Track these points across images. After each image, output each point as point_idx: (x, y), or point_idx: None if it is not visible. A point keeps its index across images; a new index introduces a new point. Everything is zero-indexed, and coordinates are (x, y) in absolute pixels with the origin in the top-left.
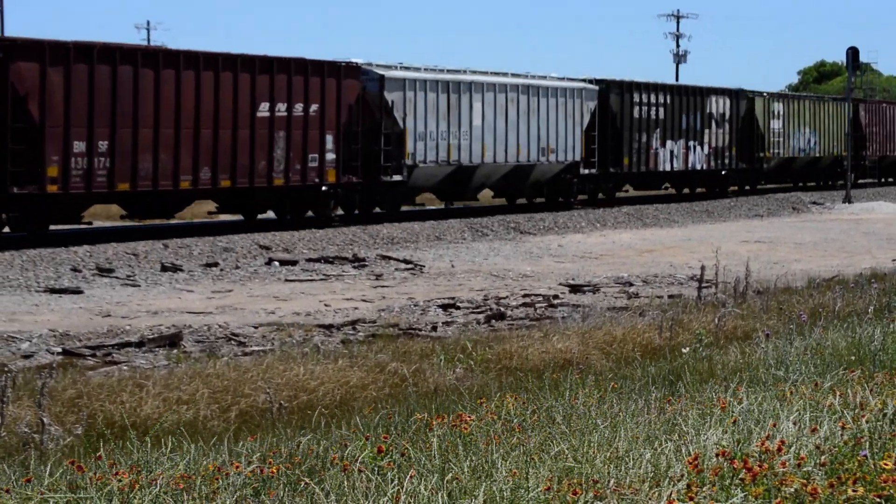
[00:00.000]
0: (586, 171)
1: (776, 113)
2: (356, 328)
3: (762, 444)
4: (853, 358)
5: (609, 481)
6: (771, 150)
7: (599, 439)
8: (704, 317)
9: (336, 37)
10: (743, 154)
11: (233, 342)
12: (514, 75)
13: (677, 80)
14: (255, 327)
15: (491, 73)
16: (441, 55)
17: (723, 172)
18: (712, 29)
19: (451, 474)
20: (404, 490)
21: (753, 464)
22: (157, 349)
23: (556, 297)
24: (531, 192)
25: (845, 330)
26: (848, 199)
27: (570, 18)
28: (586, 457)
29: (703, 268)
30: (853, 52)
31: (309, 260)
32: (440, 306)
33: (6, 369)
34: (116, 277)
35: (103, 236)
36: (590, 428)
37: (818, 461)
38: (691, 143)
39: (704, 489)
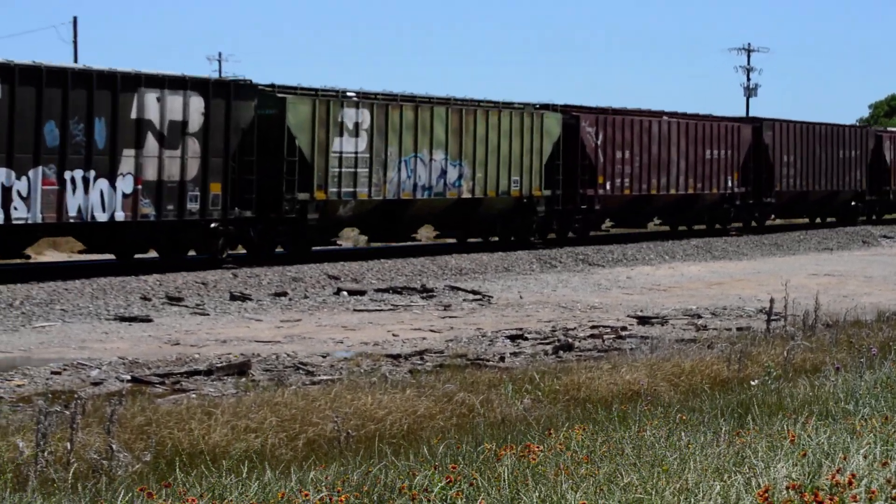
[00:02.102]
0: None
1: (351, 125)
2: (424, 358)
3: (833, 477)
4: None
5: None
6: (333, 189)
7: (669, 471)
8: (773, 350)
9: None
10: (249, 194)
11: (301, 371)
12: None
13: (748, 114)
14: (323, 356)
15: None
16: (535, 88)
17: (213, 225)
18: (783, 63)
19: None
20: None
21: (824, 497)
22: (225, 377)
23: (624, 328)
24: None
25: None
26: None
27: (641, 50)
28: (656, 488)
29: (771, 300)
30: None
31: (377, 290)
32: (508, 337)
33: (76, 396)
34: (185, 306)
35: (173, 266)
36: (659, 459)
37: (890, 495)
38: (73, 174)
39: None
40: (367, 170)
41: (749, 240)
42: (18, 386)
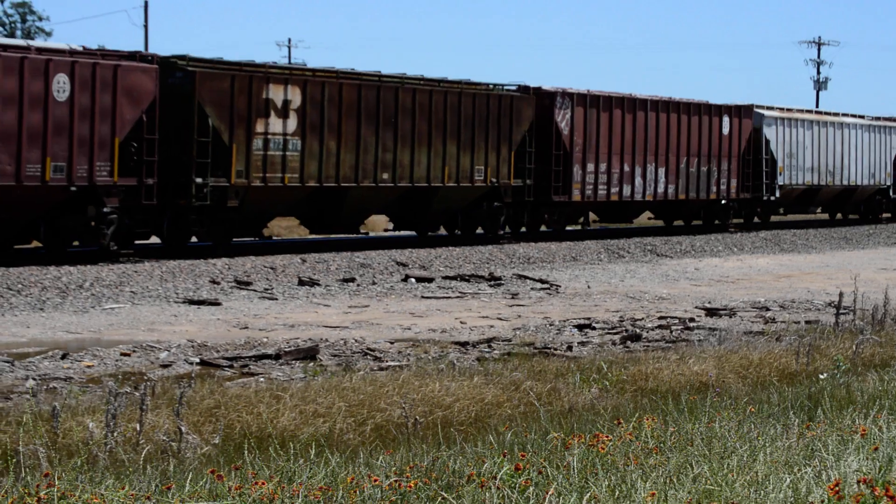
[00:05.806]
0: None
1: None
2: (491, 346)
3: None
4: None
5: None
6: None
7: (739, 463)
8: (842, 343)
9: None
10: None
11: (369, 357)
12: None
13: (817, 107)
14: (391, 342)
15: None
16: (599, 79)
17: None
18: (854, 56)
19: (589, 493)
20: None
21: (895, 491)
22: (293, 362)
23: (691, 319)
24: None
25: None
26: None
27: (710, 43)
28: (726, 480)
29: (840, 294)
30: None
31: (445, 277)
32: (576, 326)
33: (145, 378)
34: (254, 290)
35: (241, 250)
36: (729, 451)
37: None
38: None
39: None
40: None
41: (818, 233)
42: (88, 367)
